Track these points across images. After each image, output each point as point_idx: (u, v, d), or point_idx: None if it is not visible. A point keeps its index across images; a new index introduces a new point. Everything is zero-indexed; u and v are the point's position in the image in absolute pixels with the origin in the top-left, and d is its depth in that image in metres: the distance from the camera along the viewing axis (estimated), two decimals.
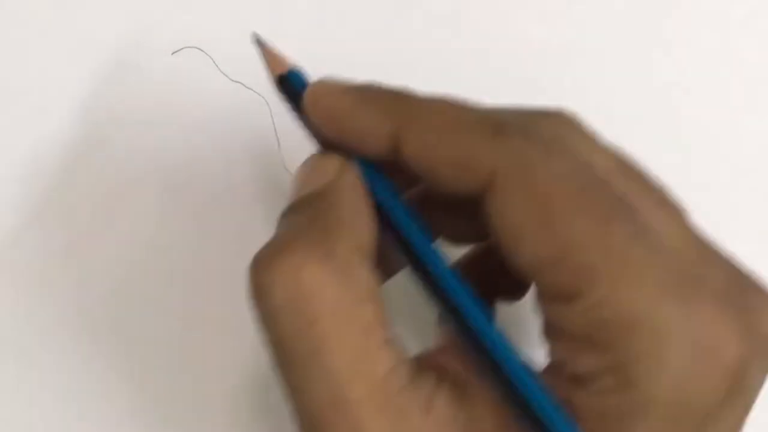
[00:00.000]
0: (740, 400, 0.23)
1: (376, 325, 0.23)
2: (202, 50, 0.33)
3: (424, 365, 0.24)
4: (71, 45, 0.34)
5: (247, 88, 0.32)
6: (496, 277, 0.27)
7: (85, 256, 0.33)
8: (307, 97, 0.25)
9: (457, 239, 0.28)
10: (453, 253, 0.29)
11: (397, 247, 0.25)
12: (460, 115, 0.24)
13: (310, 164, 0.26)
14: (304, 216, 0.24)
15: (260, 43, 0.27)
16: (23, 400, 0.33)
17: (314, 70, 0.35)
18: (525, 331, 0.31)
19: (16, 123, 0.34)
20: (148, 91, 0.34)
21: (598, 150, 0.25)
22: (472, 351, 0.24)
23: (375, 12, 0.35)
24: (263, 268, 0.23)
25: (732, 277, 0.25)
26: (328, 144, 0.26)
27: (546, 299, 0.24)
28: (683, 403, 0.22)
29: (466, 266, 0.29)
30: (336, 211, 0.24)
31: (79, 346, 0.33)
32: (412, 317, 0.30)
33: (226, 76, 0.32)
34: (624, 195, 0.24)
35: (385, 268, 0.27)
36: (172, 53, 0.33)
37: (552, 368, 0.24)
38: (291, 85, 0.26)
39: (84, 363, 0.33)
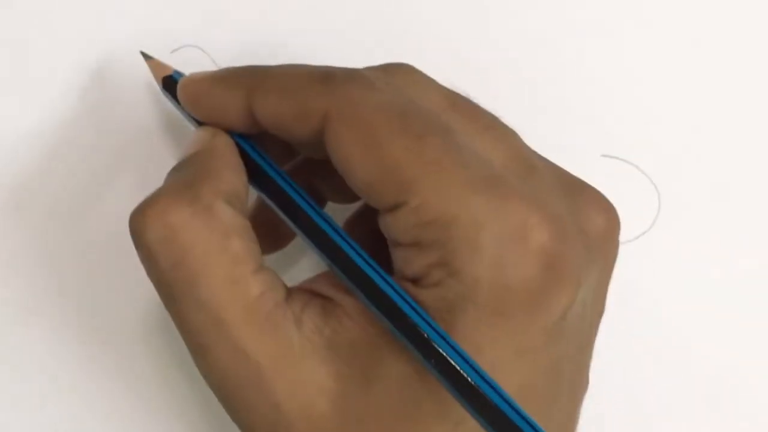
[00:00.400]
0: (564, 288, 0.26)
1: (244, 256, 0.26)
2: (202, 49, 0.33)
3: (295, 290, 0.28)
4: (71, 45, 0.33)
5: None
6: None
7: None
8: (179, 87, 0.29)
9: (341, 199, 0.32)
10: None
11: (275, 202, 0.28)
12: (295, 73, 0.27)
13: (191, 137, 0.29)
14: (176, 172, 0.28)
15: (145, 56, 0.32)
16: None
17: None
18: None
19: (16, 123, 0.33)
20: (149, 90, 0.33)
21: (431, 90, 0.28)
22: (338, 270, 0.27)
23: (375, 11, 0.35)
24: (137, 217, 0.26)
25: (558, 182, 0.28)
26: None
27: (380, 215, 0.27)
28: (504, 286, 0.25)
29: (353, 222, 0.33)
30: (203, 165, 0.28)
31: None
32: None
33: None
34: (446, 122, 0.27)
35: (276, 240, 0.32)
36: (171, 52, 0.33)
37: (396, 276, 0.27)
38: (173, 84, 0.30)
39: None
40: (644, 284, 0.36)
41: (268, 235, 0.29)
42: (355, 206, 0.32)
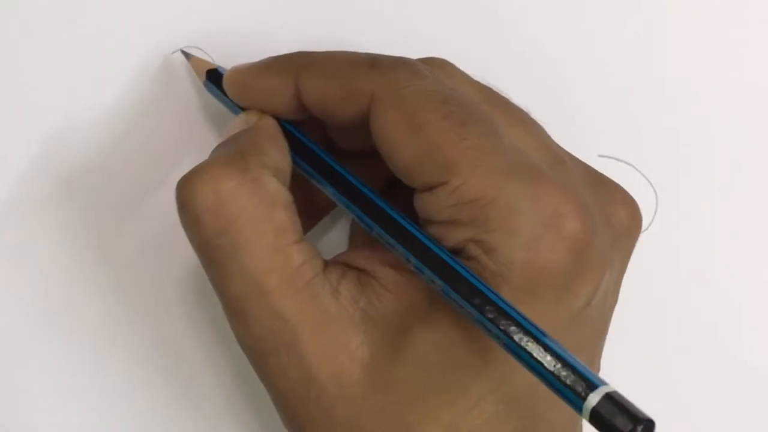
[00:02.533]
0: (591, 276, 0.27)
1: (287, 227, 0.27)
2: (202, 50, 0.33)
3: (331, 263, 0.29)
4: (70, 46, 0.33)
5: None
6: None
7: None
8: (225, 80, 0.30)
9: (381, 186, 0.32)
10: None
11: (319, 177, 0.29)
12: (342, 58, 0.29)
13: (234, 120, 0.30)
14: (224, 146, 0.29)
15: (186, 54, 0.33)
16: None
17: None
18: None
19: (15, 123, 0.33)
20: (148, 90, 0.34)
21: (466, 84, 0.30)
22: (395, 245, 0.28)
23: (378, 12, 0.35)
24: (186, 185, 0.27)
25: (586, 176, 0.30)
26: None
27: (418, 193, 0.28)
28: (537, 269, 0.26)
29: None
30: (251, 140, 0.29)
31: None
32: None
33: None
34: (486, 111, 0.28)
35: (314, 213, 0.33)
36: (172, 53, 0.33)
37: None
38: (217, 78, 0.31)
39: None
40: (642, 283, 0.36)
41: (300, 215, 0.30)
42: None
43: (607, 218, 0.29)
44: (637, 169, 0.36)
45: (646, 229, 0.36)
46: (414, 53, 0.32)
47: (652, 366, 0.36)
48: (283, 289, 0.27)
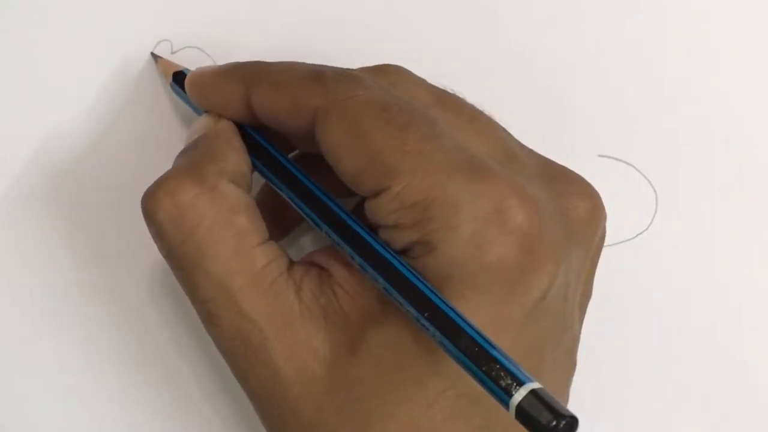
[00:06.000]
0: (542, 269, 0.27)
1: (249, 230, 0.28)
2: (202, 50, 0.33)
3: (300, 260, 0.30)
4: (70, 46, 0.33)
5: None
6: None
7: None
8: (186, 83, 0.31)
9: (338, 193, 0.32)
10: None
11: (271, 177, 0.30)
12: (290, 70, 0.29)
13: (195, 123, 0.31)
14: (184, 155, 0.30)
15: (155, 57, 0.33)
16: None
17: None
18: None
19: (15, 124, 0.33)
20: (148, 90, 0.34)
21: (418, 88, 0.30)
22: (331, 232, 0.28)
23: (375, 11, 0.35)
24: (148, 199, 0.28)
25: (541, 169, 0.30)
26: None
27: (366, 202, 0.28)
28: (480, 265, 0.27)
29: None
30: (208, 147, 0.29)
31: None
32: None
33: None
34: (430, 114, 0.29)
35: (280, 227, 0.33)
36: (172, 53, 0.33)
37: None
38: (182, 81, 0.32)
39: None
40: (642, 283, 0.36)
41: (271, 224, 0.30)
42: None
43: (562, 210, 0.29)
44: (637, 169, 0.36)
45: (646, 229, 0.36)
46: (413, 53, 0.32)
47: (651, 366, 0.36)
48: (248, 290, 0.28)
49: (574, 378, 0.31)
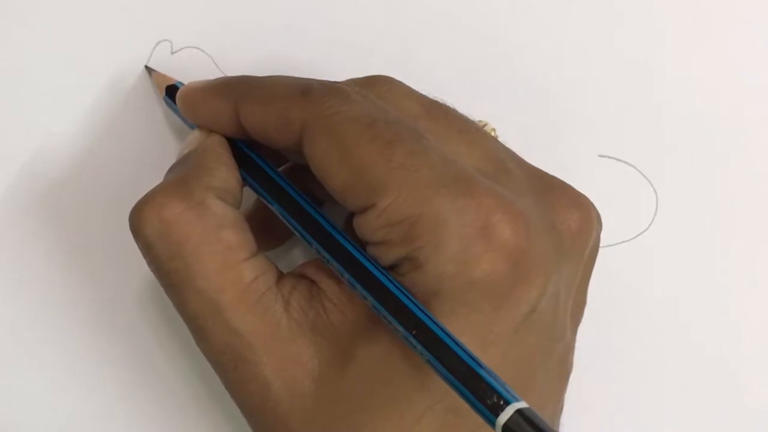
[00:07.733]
0: (531, 282, 0.27)
1: (236, 245, 0.28)
2: (202, 50, 0.33)
3: (287, 274, 0.30)
4: (70, 46, 0.33)
5: None
6: None
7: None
8: (177, 97, 0.31)
9: (332, 200, 0.33)
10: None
11: (262, 192, 0.30)
12: (278, 85, 0.29)
13: (187, 138, 0.31)
14: (173, 171, 0.30)
15: (149, 70, 0.33)
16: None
17: (315, 70, 0.35)
18: None
19: (17, 127, 0.33)
20: (148, 91, 0.34)
21: (408, 99, 0.30)
22: (320, 248, 0.28)
23: (374, 15, 0.35)
24: (135, 214, 0.28)
25: (532, 182, 0.29)
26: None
27: (354, 217, 0.28)
28: (468, 280, 0.27)
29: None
30: (196, 163, 0.29)
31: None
32: None
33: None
34: (418, 128, 0.28)
35: (272, 239, 0.33)
36: (172, 53, 0.33)
37: None
38: (174, 94, 0.32)
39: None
40: (642, 283, 0.36)
41: (264, 234, 0.30)
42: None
43: (553, 223, 0.29)
44: (637, 169, 0.36)
45: (646, 229, 0.36)
46: (413, 54, 0.32)
47: (652, 366, 0.36)
48: (236, 305, 0.28)
49: (574, 379, 0.31)
